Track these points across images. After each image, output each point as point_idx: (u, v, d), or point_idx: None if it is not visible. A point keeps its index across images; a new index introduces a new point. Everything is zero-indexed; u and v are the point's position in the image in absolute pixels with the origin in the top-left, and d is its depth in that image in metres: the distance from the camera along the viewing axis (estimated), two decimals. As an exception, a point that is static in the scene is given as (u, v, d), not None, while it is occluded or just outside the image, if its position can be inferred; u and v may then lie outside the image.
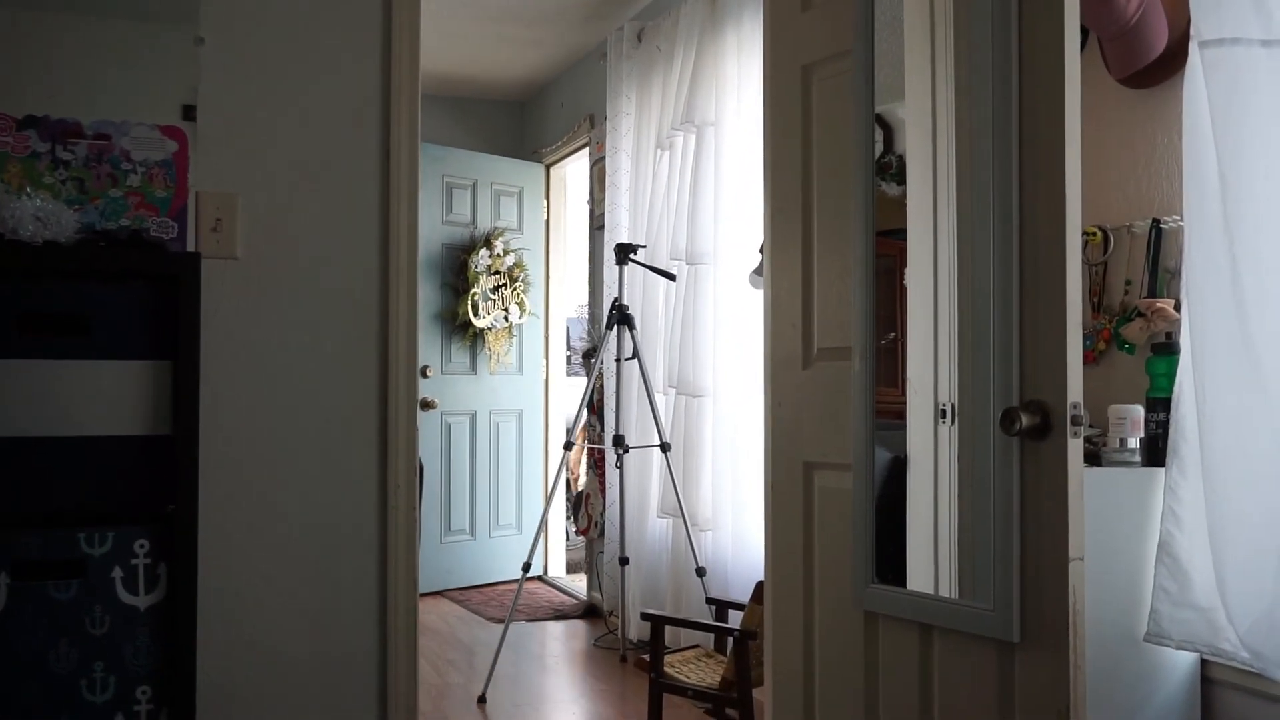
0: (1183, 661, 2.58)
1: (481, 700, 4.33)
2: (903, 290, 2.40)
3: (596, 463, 5.83)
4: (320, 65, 2.64)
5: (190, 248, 2.37)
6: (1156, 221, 2.80)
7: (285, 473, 2.59)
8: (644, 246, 4.97)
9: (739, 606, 3.73)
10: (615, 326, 4.81)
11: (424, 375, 6.21)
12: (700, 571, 4.40)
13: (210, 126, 2.51)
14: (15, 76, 2.39)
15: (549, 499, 4.89)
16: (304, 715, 2.59)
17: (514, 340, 6.74)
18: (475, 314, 6.46)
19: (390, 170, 2.67)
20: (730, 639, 3.47)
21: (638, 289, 5.08)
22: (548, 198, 7.02)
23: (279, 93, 2.60)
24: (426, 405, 6.21)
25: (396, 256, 2.66)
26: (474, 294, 6.46)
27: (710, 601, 4.04)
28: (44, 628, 2.08)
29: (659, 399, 4.81)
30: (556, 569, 6.89)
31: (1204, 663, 2.60)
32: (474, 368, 6.61)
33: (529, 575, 4.72)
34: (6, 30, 2.42)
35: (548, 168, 7.01)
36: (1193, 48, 2.44)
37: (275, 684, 2.57)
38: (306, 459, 2.61)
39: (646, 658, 3.62)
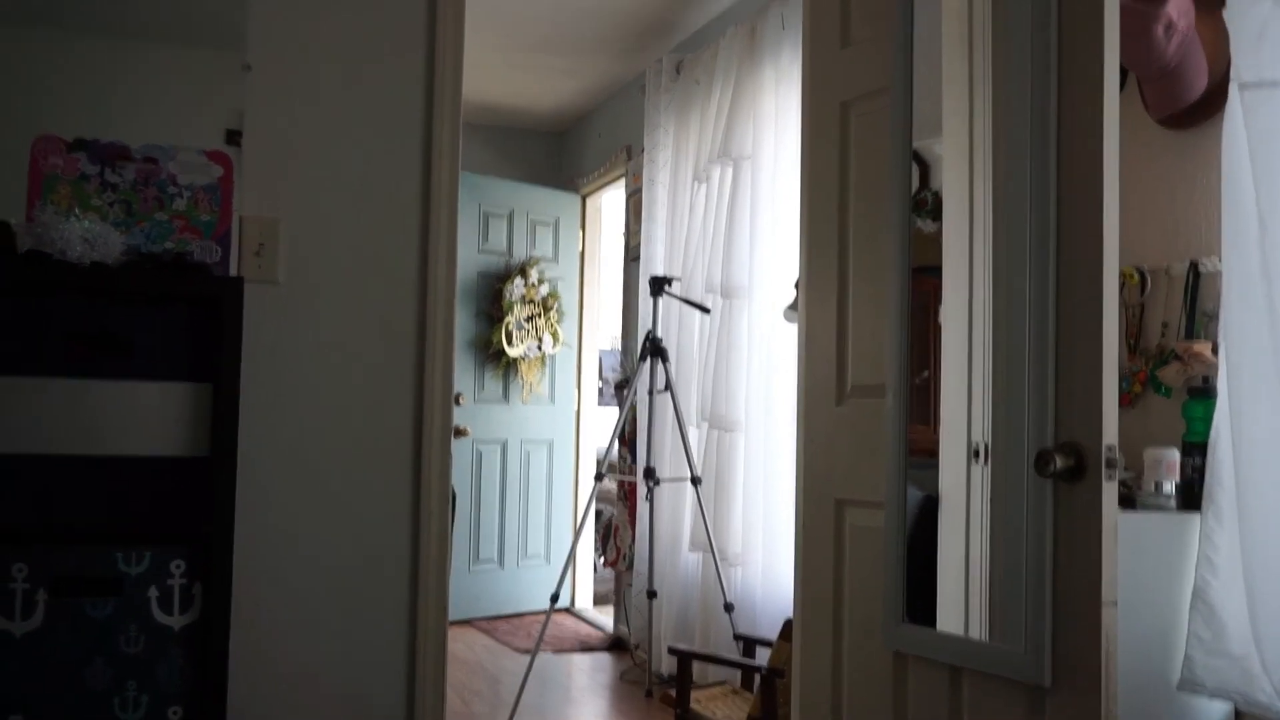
0: (1216, 711, 2.55)
1: (507, 730, 4.32)
2: (937, 328, 2.39)
3: (626, 495, 5.83)
4: (363, 93, 2.68)
5: (233, 272, 2.40)
6: (1194, 264, 2.79)
7: (319, 497, 2.61)
8: (679, 279, 4.98)
9: (767, 643, 3.71)
10: (649, 358, 4.82)
11: (457, 403, 6.23)
12: (728, 607, 4.38)
13: (255, 152, 2.55)
14: (67, 100, 2.44)
15: (578, 530, 4.88)
16: (331, 740, 2.60)
17: (547, 370, 6.76)
18: (509, 343, 6.49)
19: (430, 199, 2.69)
20: (758, 676, 3.45)
21: (673, 321, 5.09)
22: (583, 228, 7.06)
23: (323, 120, 2.64)
24: (459, 433, 6.23)
25: (435, 285, 2.68)
26: (508, 323, 6.50)
27: (738, 638, 4.02)
28: (80, 644, 2.09)
29: (691, 432, 4.81)
30: (584, 601, 6.88)
31: (1238, 713, 2.56)
32: (506, 396, 6.64)
33: (556, 606, 4.71)
34: (60, 55, 2.47)
35: (584, 198, 7.05)
36: (1233, 89, 2.44)
37: (303, 708, 2.58)
38: (341, 484, 2.62)
39: (673, 693, 3.61)
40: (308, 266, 2.61)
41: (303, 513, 2.59)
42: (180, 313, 2.19)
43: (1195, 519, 2.52)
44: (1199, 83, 2.77)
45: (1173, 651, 2.50)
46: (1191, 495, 2.57)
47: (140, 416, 2.15)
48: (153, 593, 2.13)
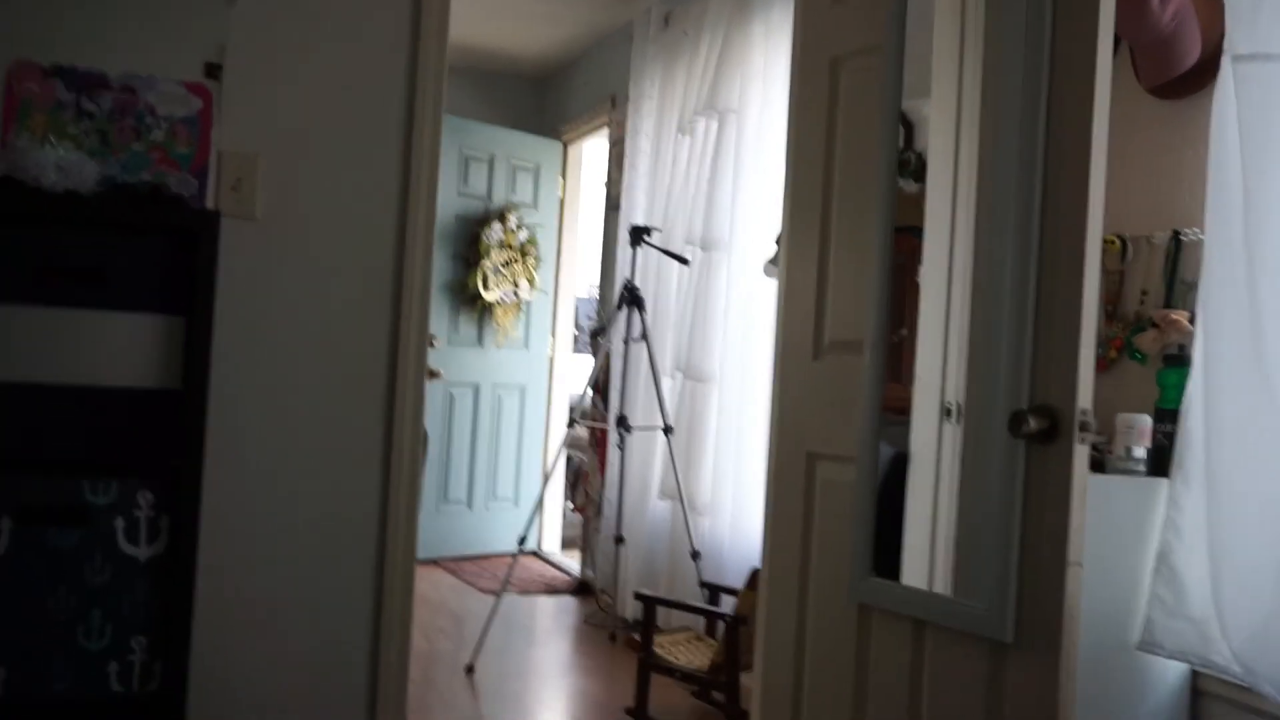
0: (1173, 672, 2.59)
1: (470, 670, 4.35)
2: (914, 287, 2.40)
3: (597, 442, 5.84)
4: (349, 31, 2.63)
5: (210, 206, 2.38)
6: (1177, 233, 2.80)
7: (291, 434, 2.60)
8: (659, 229, 4.96)
9: (732, 591, 3.74)
10: (625, 307, 4.81)
11: (431, 345, 6.22)
12: (695, 555, 4.41)
13: (236, 86, 2.51)
14: (45, 25, 2.39)
15: (548, 474, 4.89)
16: (295, 675, 2.61)
17: (522, 315, 6.75)
18: (485, 287, 6.47)
19: (412, 140, 2.66)
20: (721, 623, 3.48)
21: (651, 271, 5.08)
22: (564, 175, 7.01)
23: (306, 56, 2.60)
24: (433, 375, 6.22)
25: (413, 227, 2.66)
26: (485, 267, 6.47)
27: (704, 585, 4.06)
28: (44, 573, 2.09)
29: (665, 382, 4.82)
30: (551, 544, 6.91)
31: (1195, 674, 2.60)
32: (480, 340, 6.62)
33: (523, 549, 4.73)
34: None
35: (566, 145, 6.99)
36: (1225, 61, 2.43)
37: (269, 641, 2.59)
38: (312, 421, 2.61)
39: (636, 637, 3.64)
40: (286, 203, 2.58)
41: (274, 448, 2.58)
42: (156, 245, 2.17)
43: (1163, 484, 2.54)
44: (1192, 53, 2.76)
45: (1133, 612, 2.53)
46: (1161, 461, 2.59)
47: (112, 347, 2.13)
48: (119, 523, 2.12)
